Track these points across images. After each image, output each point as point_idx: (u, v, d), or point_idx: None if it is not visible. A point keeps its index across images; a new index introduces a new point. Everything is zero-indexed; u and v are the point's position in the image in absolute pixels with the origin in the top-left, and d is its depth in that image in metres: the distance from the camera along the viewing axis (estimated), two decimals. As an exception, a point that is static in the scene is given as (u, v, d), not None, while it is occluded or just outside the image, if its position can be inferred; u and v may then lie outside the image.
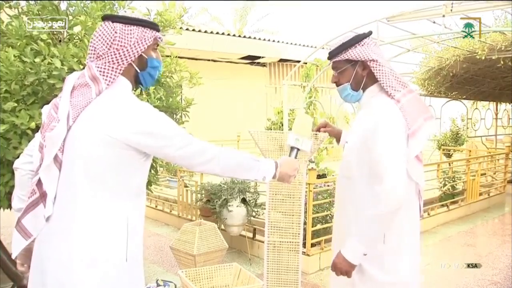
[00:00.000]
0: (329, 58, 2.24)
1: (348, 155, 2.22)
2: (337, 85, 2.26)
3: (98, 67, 1.70)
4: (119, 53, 1.71)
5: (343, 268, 2.05)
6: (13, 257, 1.84)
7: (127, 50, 1.72)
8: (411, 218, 2.18)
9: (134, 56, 1.74)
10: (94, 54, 1.73)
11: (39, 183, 1.71)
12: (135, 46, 1.73)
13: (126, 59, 1.72)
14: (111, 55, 1.70)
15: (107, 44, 1.70)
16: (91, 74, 1.71)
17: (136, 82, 1.85)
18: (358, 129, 2.16)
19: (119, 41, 1.70)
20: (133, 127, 1.63)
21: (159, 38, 1.84)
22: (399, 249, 2.14)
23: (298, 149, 2.05)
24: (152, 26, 1.79)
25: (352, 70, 2.17)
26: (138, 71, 1.81)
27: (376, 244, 2.07)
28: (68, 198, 1.67)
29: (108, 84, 1.69)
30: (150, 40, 1.78)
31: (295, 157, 2.03)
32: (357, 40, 2.13)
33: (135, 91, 3.24)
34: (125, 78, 1.77)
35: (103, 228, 1.65)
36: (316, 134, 2.73)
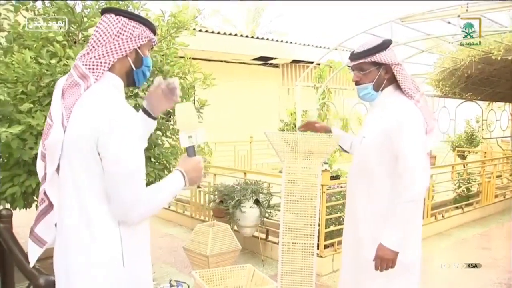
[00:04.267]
0: (353, 59, 2.42)
1: (368, 149, 2.43)
2: (358, 84, 2.45)
3: (85, 64, 1.69)
4: (110, 46, 1.69)
5: (389, 257, 2.23)
6: (31, 265, 1.86)
7: (120, 43, 1.70)
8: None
9: (126, 51, 1.72)
10: (88, 47, 1.72)
11: (46, 192, 1.73)
12: (128, 41, 1.72)
13: (117, 53, 1.71)
14: (103, 47, 1.69)
15: (104, 34, 1.70)
16: (79, 72, 1.69)
17: (129, 80, 1.82)
18: (380, 125, 2.37)
19: (118, 32, 1.70)
20: (101, 131, 1.57)
21: (154, 41, 1.84)
22: (415, 231, 2.40)
23: (194, 145, 1.87)
24: (151, 27, 1.79)
25: (377, 72, 2.38)
26: (134, 68, 1.79)
27: (413, 227, 2.33)
28: (63, 203, 1.68)
29: (96, 79, 1.67)
30: (146, 39, 1.77)
31: (195, 155, 1.88)
32: (385, 45, 2.36)
33: (130, 91, 3.26)
34: (114, 75, 1.74)
35: (94, 233, 1.62)
36: (330, 136, 2.73)
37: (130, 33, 1.72)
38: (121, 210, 1.60)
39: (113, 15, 1.72)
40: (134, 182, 1.58)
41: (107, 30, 1.70)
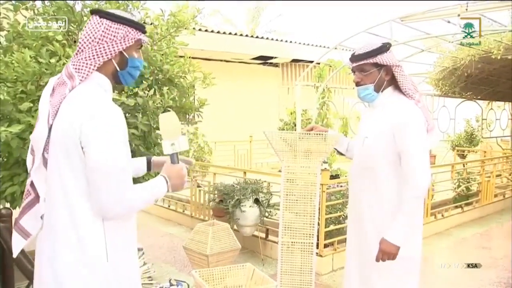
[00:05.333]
0: (354, 60, 2.47)
1: (371, 149, 2.49)
2: (359, 85, 2.49)
3: (73, 64, 1.72)
4: (95, 49, 1.71)
5: (392, 252, 2.33)
6: (14, 256, 1.88)
7: (105, 47, 1.72)
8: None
9: (111, 54, 1.74)
10: (77, 47, 1.75)
11: (32, 184, 1.75)
12: (112, 44, 1.73)
13: (102, 56, 1.73)
14: (89, 50, 1.71)
15: (89, 37, 1.72)
16: (67, 72, 1.73)
17: (116, 80, 1.85)
18: (382, 125, 2.44)
19: (101, 35, 1.71)
20: (84, 129, 1.60)
21: (143, 41, 1.85)
22: (416, 227, 2.48)
23: (177, 152, 1.93)
24: (137, 27, 1.80)
25: (378, 73, 2.45)
26: (118, 69, 1.81)
27: (416, 223, 2.47)
28: (51, 197, 1.71)
29: (81, 80, 1.70)
30: (132, 41, 1.78)
31: (178, 162, 1.92)
32: (386, 47, 2.42)
33: (130, 90, 3.26)
34: (101, 75, 1.77)
35: (80, 229, 1.65)
36: (324, 135, 2.76)
37: (114, 36, 1.73)
38: (100, 205, 1.63)
39: (97, 17, 1.73)
40: (115, 180, 1.61)
41: (92, 33, 1.72)
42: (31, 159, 1.78)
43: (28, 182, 1.77)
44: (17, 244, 1.81)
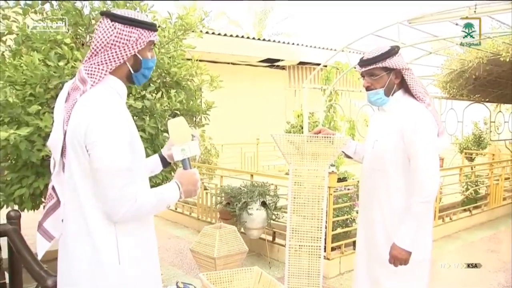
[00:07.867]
0: (364, 65, 2.46)
1: (382, 152, 2.49)
2: (369, 90, 2.49)
3: (86, 69, 1.72)
4: (108, 54, 1.71)
5: (403, 257, 2.33)
6: (39, 258, 1.90)
7: (117, 51, 1.72)
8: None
9: (123, 58, 1.74)
10: (90, 51, 1.75)
11: (54, 188, 1.78)
12: (125, 49, 1.73)
13: (115, 61, 1.73)
14: (102, 54, 1.71)
15: (101, 41, 1.71)
16: (80, 77, 1.73)
17: (129, 81, 1.85)
18: (393, 128, 2.44)
19: (114, 40, 1.71)
20: (89, 131, 1.61)
21: (154, 40, 1.84)
22: (425, 231, 2.47)
23: (188, 157, 1.92)
24: (149, 27, 1.78)
25: (387, 77, 2.45)
26: (132, 72, 1.81)
27: (425, 226, 2.44)
28: (66, 199, 1.73)
29: (93, 84, 1.70)
30: (144, 43, 1.77)
31: (190, 167, 1.90)
32: (394, 51, 2.42)
33: (138, 93, 3.27)
34: (115, 78, 1.77)
35: (90, 230, 1.66)
36: (332, 138, 2.75)
37: (127, 40, 1.72)
38: (105, 206, 1.64)
39: (108, 21, 1.72)
40: (119, 180, 1.61)
41: (104, 37, 1.71)
42: (53, 163, 1.81)
43: (50, 186, 1.81)
44: (42, 246, 1.85)
